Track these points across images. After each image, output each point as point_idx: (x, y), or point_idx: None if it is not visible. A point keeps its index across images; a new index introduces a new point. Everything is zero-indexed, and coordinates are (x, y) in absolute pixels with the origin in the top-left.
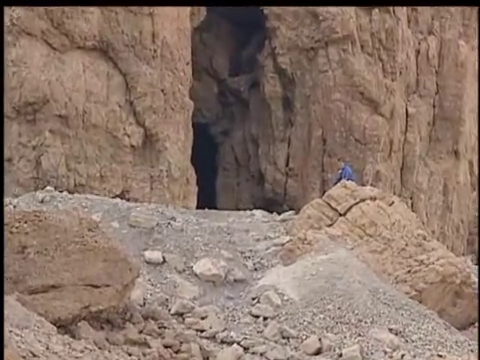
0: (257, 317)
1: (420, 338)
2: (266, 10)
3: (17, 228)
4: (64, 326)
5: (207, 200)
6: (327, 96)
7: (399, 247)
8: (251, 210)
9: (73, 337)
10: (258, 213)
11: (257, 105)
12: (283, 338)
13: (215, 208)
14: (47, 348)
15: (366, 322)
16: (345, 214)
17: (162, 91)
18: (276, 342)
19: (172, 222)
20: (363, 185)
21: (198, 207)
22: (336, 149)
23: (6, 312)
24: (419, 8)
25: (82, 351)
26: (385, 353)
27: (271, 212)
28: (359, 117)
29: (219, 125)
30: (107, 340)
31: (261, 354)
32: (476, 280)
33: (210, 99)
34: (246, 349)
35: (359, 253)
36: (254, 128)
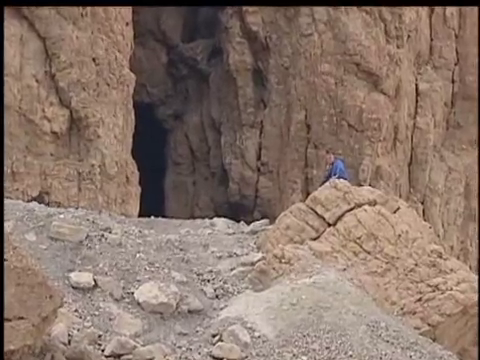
0: None
1: None
2: None
3: None
4: None
5: (153, 205)
6: (312, 68)
7: (407, 267)
8: (211, 218)
9: None
10: (220, 222)
11: (219, 80)
12: None
13: (164, 216)
14: None
15: None
16: (335, 224)
17: (94, 60)
18: None
19: (107, 234)
20: (359, 185)
21: (141, 214)
22: (324, 138)
23: None
24: None
25: None
26: None
27: (238, 221)
28: (354, 96)
29: (169, 106)
30: None
31: None
32: None
33: (157, 71)
34: None
35: (354, 275)
36: (215, 110)
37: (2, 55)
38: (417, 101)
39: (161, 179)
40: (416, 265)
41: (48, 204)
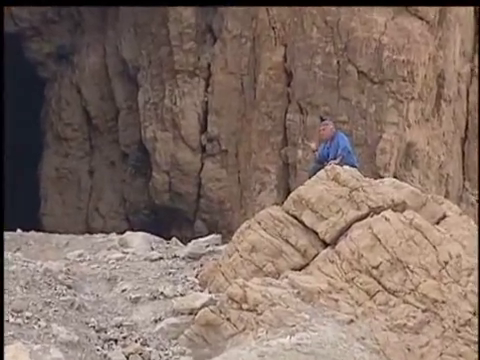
0: None
1: None
2: None
3: None
4: None
5: (21, 209)
6: None
7: (459, 318)
8: (122, 233)
9: None
10: (137, 240)
11: None
12: None
13: (39, 228)
14: None
15: None
16: (336, 242)
17: None
18: None
19: None
20: (378, 176)
21: None
22: (315, 94)
23: None
24: None
25: None
26: None
27: (167, 238)
28: (368, 22)
29: (48, 38)
30: None
31: None
32: None
33: None
34: None
35: (367, 332)
36: (128, 46)
37: (2, 56)
38: (478, 32)
39: (34, 165)
40: (475, 314)
41: None
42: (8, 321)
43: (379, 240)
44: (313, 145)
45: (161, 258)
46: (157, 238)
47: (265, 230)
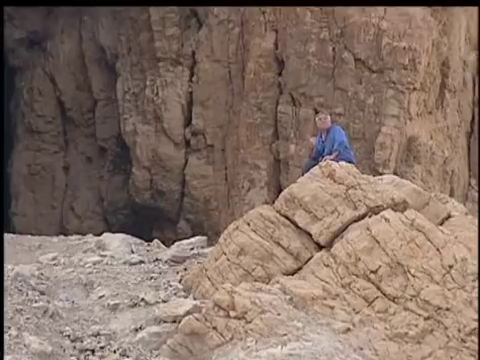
0: None
1: None
2: None
3: None
4: None
5: None
6: None
7: (464, 327)
8: (99, 234)
9: None
10: (116, 242)
11: None
12: None
13: (10, 229)
14: None
15: None
16: (331, 245)
17: None
18: None
19: None
20: (376, 173)
21: None
22: (309, 85)
23: None
24: None
25: None
26: None
27: (148, 240)
28: (365, 7)
29: (21, 24)
30: None
31: None
32: None
33: None
34: None
35: (365, 341)
36: (106, 32)
37: (2, 57)
38: None
39: (4, 160)
40: None
41: None
42: None
43: (378, 242)
44: (312, 140)
45: (142, 262)
46: (137, 240)
47: (255, 231)
